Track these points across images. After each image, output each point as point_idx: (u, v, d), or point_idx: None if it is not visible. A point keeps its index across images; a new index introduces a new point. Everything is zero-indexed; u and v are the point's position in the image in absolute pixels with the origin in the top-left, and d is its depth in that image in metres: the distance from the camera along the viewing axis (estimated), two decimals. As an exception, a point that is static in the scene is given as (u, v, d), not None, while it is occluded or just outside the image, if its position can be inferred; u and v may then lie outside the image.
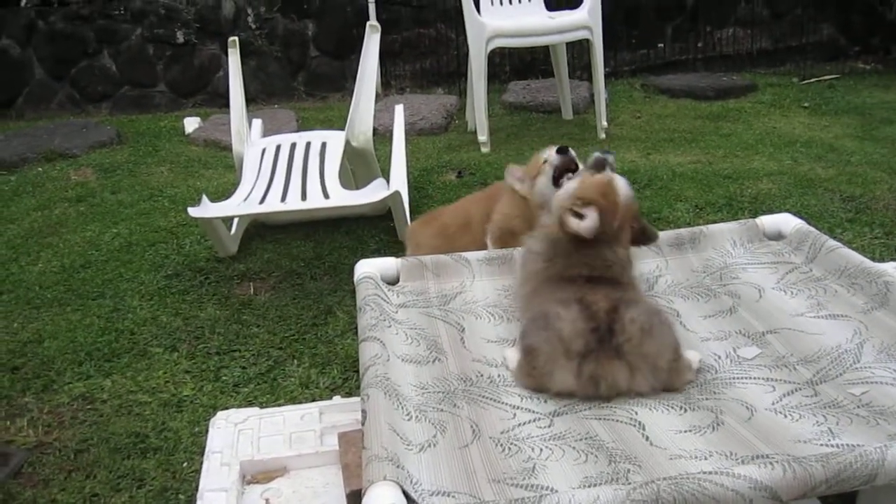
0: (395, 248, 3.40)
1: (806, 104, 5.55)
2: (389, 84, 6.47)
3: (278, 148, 3.58)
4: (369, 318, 1.72)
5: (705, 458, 1.31)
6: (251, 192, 3.34)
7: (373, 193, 3.22)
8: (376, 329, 1.69)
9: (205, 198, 3.32)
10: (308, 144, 3.57)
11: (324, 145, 3.54)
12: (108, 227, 3.99)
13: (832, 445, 1.30)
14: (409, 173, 3.90)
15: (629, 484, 1.17)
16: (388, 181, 3.53)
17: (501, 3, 5.08)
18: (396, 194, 3.29)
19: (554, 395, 1.52)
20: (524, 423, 1.45)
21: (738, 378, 1.56)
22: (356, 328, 1.87)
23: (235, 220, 3.66)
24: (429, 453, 1.36)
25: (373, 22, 3.73)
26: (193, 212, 3.20)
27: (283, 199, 3.25)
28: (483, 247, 2.52)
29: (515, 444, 1.39)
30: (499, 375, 1.62)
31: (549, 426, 1.44)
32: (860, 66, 6.51)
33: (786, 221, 2.07)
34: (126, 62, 6.49)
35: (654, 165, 4.38)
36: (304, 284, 3.24)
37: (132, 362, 2.76)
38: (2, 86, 6.48)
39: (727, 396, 1.50)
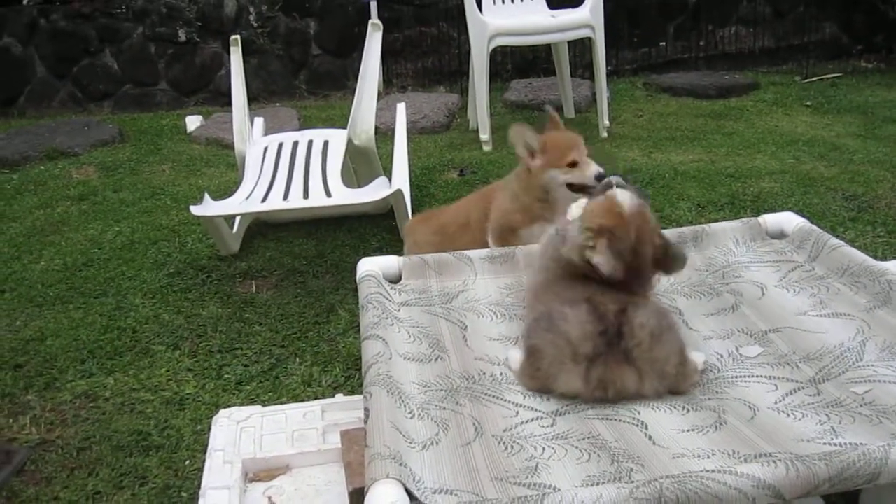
0: (397, 246, 3.39)
1: (808, 103, 5.55)
2: (391, 82, 6.47)
3: (280, 146, 3.59)
4: (372, 317, 1.72)
5: (708, 457, 1.31)
6: (253, 190, 3.34)
7: (375, 192, 3.22)
8: (379, 327, 1.68)
9: (207, 196, 3.32)
10: (310, 143, 3.57)
11: (326, 144, 3.55)
12: (111, 226, 4.00)
13: (835, 444, 1.30)
14: (410, 172, 3.90)
15: (632, 482, 1.17)
16: (390, 180, 3.53)
17: (503, 2, 5.08)
18: (398, 193, 3.29)
19: (558, 396, 1.51)
20: (527, 422, 1.45)
21: (740, 377, 1.56)
22: (358, 326, 1.87)
23: (237, 219, 3.66)
24: (431, 451, 1.36)
25: (375, 20, 3.73)
26: (195, 210, 3.20)
27: (286, 197, 3.25)
28: (481, 246, 2.51)
29: (518, 443, 1.39)
30: (501, 374, 1.62)
31: (552, 425, 1.44)
32: (862, 65, 6.50)
33: (788, 220, 2.07)
34: (128, 60, 6.49)
35: (656, 164, 4.38)
36: (306, 283, 3.25)
37: (134, 360, 2.77)
38: (4, 84, 6.49)
39: (730, 396, 1.50)
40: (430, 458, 1.34)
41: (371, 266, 1.95)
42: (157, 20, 6.42)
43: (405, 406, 1.46)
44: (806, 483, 1.17)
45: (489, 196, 2.73)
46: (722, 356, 1.64)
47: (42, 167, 5.07)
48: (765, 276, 1.92)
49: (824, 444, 1.31)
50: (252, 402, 2.41)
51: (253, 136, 3.76)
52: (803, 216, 2.08)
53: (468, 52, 5.01)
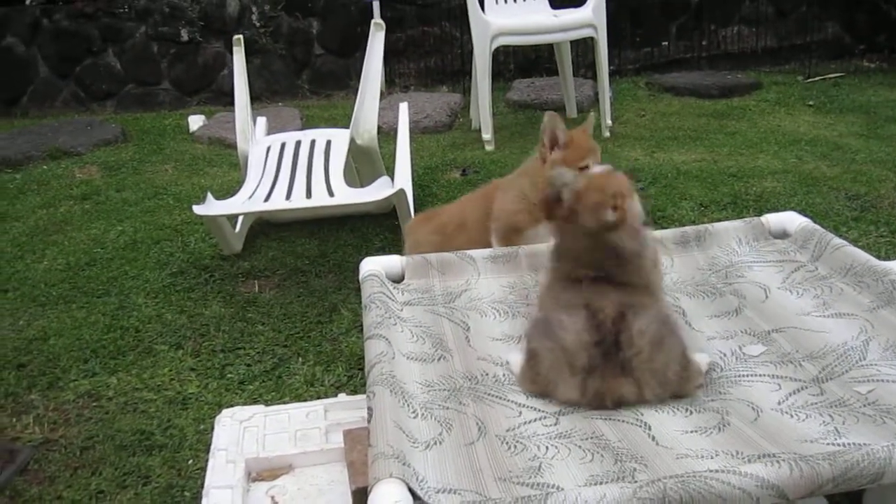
0: (399, 245, 3.39)
1: (811, 102, 5.54)
2: (394, 82, 6.47)
3: (283, 146, 3.59)
4: (374, 316, 1.73)
5: (712, 458, 1.31)
6: (256, 189, 3.34)
7: (377, 191, 3.22)
8: (381, 327, 1.69)
9: (210, 196, 3.33)
10: (313, 142, 3.57)
11: (328, 143, 3.55)
12: (113, 225, 4.00)
13: (839, 444, 1.30)
14: (413, 171, 3.90)
15: (636, 482, 1.17)
16: (392, 179, 3.53)
17: (506, 2, 5.08)
18: (401, 192, 3.29)
19: (558, 404, 1.50)
20: (530, 422, 1.45)
21: (743, 376, 1.56)
22: (361, 326, 1.87)
23: (240, 218, 3.66)
24: (435, 451, 1.36)
25: (377, 20, 3.73)
26: (198, 210, 3.21)
27: (288, 196, 3.25)
28: (480, 246, 2.50)
29: (521, 443, 1.39)
30: (504, 374, 1.62)
31: (555, 424, 1.44)
32: (865, 65, 6.49)
33: (791, 220, 2.07)
34: (131, 60, 6.50)
35: (658, 164, 4.38)
36: (308, 282, 3.25)
37: (137, 360, 2.77)
38: (6, 84, 6.49)
39: (733, 396, 1.50)
40: (434, 457, 1.34)
41: (374, 265, 1.95)
42: (159, 20, 6.42)
43: (408, 406, 1.46)
44: (810, 483, 1.16)
45: (489, 196, 2.71)
46: (725, 355, 1.64)
47: (45, 167, 5.08)
48: (768, 275, 1.92)
49: (828, 444, 1.31)
50: (255, 402, 2.41)
51: (256, 136, 3.77)
52: (806, 216, 2.08)
53: (471, 52, 5.01)
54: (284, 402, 2.25)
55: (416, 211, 3.53)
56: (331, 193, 3.25)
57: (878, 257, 1.83)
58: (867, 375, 1.50)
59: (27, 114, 6.50)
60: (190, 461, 2.23)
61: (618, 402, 1.47)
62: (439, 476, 1.29)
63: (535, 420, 1.46)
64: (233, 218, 3.60)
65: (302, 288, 3.20)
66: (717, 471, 1.17)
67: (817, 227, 2.00)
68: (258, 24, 6.44)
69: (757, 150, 4.58)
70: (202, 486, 1.66)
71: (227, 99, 5.77)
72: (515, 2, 5.11)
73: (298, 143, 3.58)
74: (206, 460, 1.74)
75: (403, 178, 3.66)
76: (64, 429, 2.42)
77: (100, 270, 3.49)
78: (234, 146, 4.07)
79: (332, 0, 6.42)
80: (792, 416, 1.42)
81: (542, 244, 1.93)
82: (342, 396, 2.08)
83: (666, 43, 6.64)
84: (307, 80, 6.58)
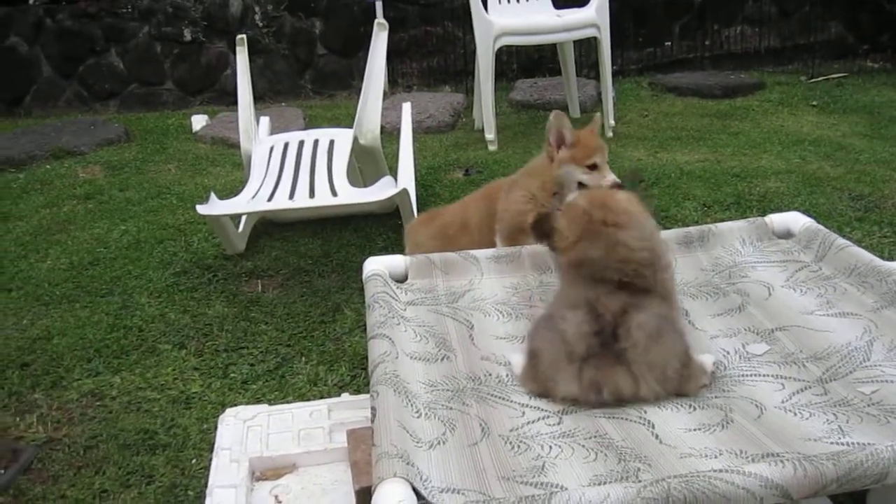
0: (402, 245, 3.40)
1: (814, 102, 5.54)
2: (396, 82, 6.48)
3: (286, 146, 3.59)
4: (378, 316, 1.73)
5: (715, 457, 1.31)
6: (259, 189, 3.34)
7: (381, 191, 3.22)
8: (385, 326, 1.69)
9: (213, 195, 3.33)
10: (316, 142, 3.57)
11: (332, 143, 3.55)
12: (117, 225, 4.01)
13: (842, 444, 1.30)
14: (416, 171, 3.90)
15: (640, 482, 1.17)
16: (395, 179, 3.53)
17: (509, 1, 5.08)
18: (404, 192, 3.29)
19: (559, 401, 1.50)
20: (533, 421, 1.45)
21: (747, 375, 1.56)
22: (364, 326, 1.87)
23: (243, 218, 3.66)
24: (438, 451, 1.36)
25: (380, 20, 3.73)
26: (201, 209, 3.21)
27: (292, 196, 3.25)
28: (482, 246, 2.49)
29: (524, 442, 1.39)
30: (507, 374, 1.62)
31: (558, 424, 1.44)
32: (868, 65, 6.48)
33: (795, 220, 2.06)
34: (134, 60, 6.51)
35: (661, 164, 4.37)
36: (311, 282, 3.25)
37: (141, 359, 2.77)
38: (10, 84, 6.50)
39: (736, 394, 1.50)
40: (437, 457, 1.34)
41: (377, 265, 1.95)
42: (162, 20, 6.43)
43: (412, 405, 1.47)
44: (814, 483, 1.16)
45: (492, 196, 2.71)
46: (728, 353, 1.64)
47: (48, 166, 5.09)
48: (771, 275, 1.91)
49: (832, 443, 1.31)
50: (258, 401, 2.41)
51: (259, 136, 3.77)
52: (810, 216, 2.08)
53: (473, 52, 5.01)
54: (288, 402, 2.25)
55: (419, 211, 3.54)
56: (334, 193, 3.25)
57: (882, 258, 1.82)
58: (871, 376, 1.49)
59: (30, 113, 6.51)
60: (193, 460, 2.23)
61: (615, 395, 1.46)
62: (443, 476, 1.29)
63: (539, 420, 1.46)
64: (236, 217, 3.61)
65: (305, 287, 3.21)
66: (720, 470, 1.17)
67: (821, 227, 2.00)
68: (261, 24, 6.45)
69: (760, 150, 4.58)
70: (206, 485, 1.66)
71: (230, 99, 5.78)
72: (518, 2, 5.10)
73: (302, 143, 3.58)
74: (210, 459, 1.74)
75: (406, 177, 3.67)
76: (67, 428, 2.42)
77: (103, 270, 3.50)
78: (237, 146, 4.07)
79: (335, 0, 6.42)
80: (795, 414, 1.41)
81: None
82: (345, 396, 2.08)
83: (669, 43, 6.64)
84: (310, 79, 6.58)
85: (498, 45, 4.68)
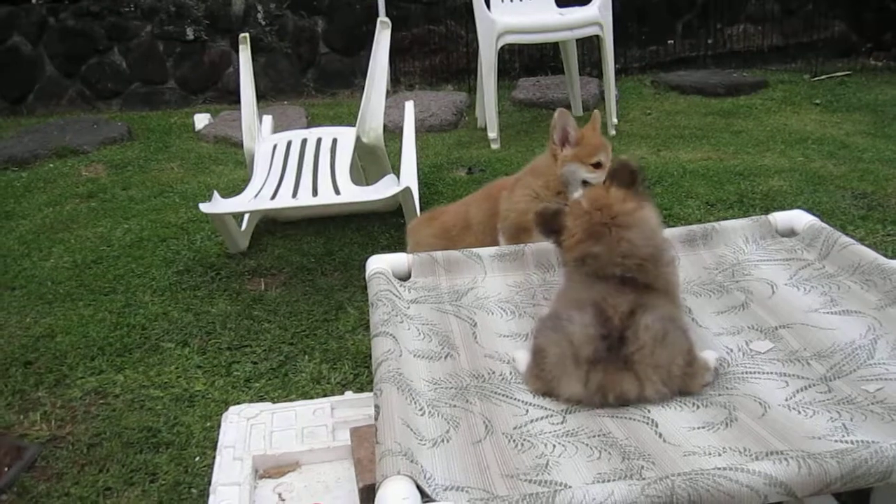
0: (405, 244, 3.40)
1: (817, 101, 5.53)
2: (399, 81, 6.47)
3: (289, 144, 3.59)
4: (381, 314, 1.72)
5: (719, 455, 1.30)
6: (262, 188, 3.35)
7: (383, 190, 3.22)
8: (388, 324, 1.69)
9: (216, 194, 3.33)
10: (319, 141, 3.58)
11: (334, 141, 3.55)
12: (120, 223, 4.01)
13: (847, 442, 1.30)
14: (419, 170, 3.90)
15: (643, 480, 1.17)
16: (398, 177, 3.53)
17: (511, 0, 5.07)
18: (407, 190, 3.29)
19: (563, 401, 1.49)
20: (537, 420, 1.45)
21: (750, 373, 1.56)
22: (367, 324, 1.87)
23: (246, 216, 3.67)
24: (442, 448, 1.36)
25: (383, 18, 3.72)
26: (204, 208, 3.21)
27: (295, 195, 3.25)
28: (484, 245, 2.49)
29: (528, 441, 1.39)
30: (510, 372, 1.62)
31: (562, 423, 1.44)
32: (872, 63, 6.47)
33: (798, 218, 2.06)
34: (136, 59, 6.51)
35: (664, 162, 4.37)
36: (314, 280, 3.25)
37: (144, 357, 2.77)
38: (13, 83, 6.51)
39: (740, 392, 1.50)
40: (441, 454, 1.34)
41: (380, 263, 1.95)
42: (165, 19, 6.43)
43: (415, 403, 1.47)
44: (818, 481, 1.16)
45: (494, 195, 2.70)
46: (732, 351, 1.64)
47: (51, 165, 5.09)
48: (775, 274, 1.91)
49: (836, 441, 1.31)
50: (261, 399, 2.41)
51: (262, 134, 3.77)
52: (813, 214, 2.07)
53: (476, 50, 5.01)
54: (291, 400, 2.26)
55: (421, 209, 3.53)
56: (337, 191, 3.25)
57: (886, 256, 1.82)
58: (875, 374, 1.49)
59: (33, 112, 6.52)
60: (197, 458, 2.24)
61: (620, 398, 1.46)
62: (447, 473, 1.29)
63: (543, 418, 1.46)
64: (239, 216, 3.61)
65: (308, 286, 3.21)
66: (724, 468, 1.17)
67: (825, 225, 2.00)
68: (263, 23, 6.45)
69: (763, 148, 4.57)
70: (209, 483, 1.66)
71: (233, 97, 5.77)
72: (521, 0, 5.10)
73: (304, 142, 3.59)
74: (213, 457, 1.75)
75: (409, 176, 3.67)
76: (71, 426, 2.42)
77: (106, 268, 3.50)
78: (239, 144, 4.08)
79: (338, -2, 6.43)
80: (799, 412, 1.41)
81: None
82: (349, 394, 2.08)
83: (672, 41, 6.63)
84: (312, 78, 6.58)
85: (500, 44, 4.68)
